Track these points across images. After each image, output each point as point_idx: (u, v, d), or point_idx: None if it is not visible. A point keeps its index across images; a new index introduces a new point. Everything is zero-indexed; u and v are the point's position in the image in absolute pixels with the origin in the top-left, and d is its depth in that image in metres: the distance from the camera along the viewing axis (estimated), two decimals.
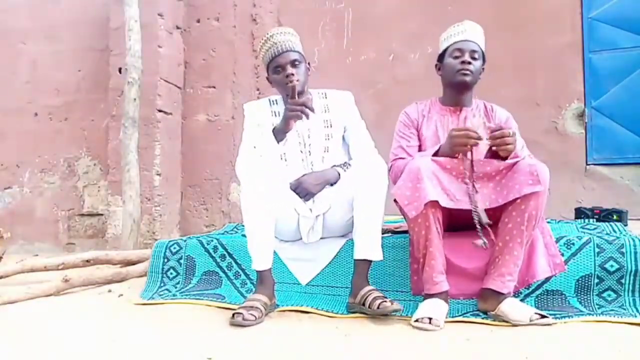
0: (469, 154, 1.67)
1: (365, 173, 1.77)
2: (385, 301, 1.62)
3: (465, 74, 1.87)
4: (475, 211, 1.62)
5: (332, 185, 1.93)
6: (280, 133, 1.84)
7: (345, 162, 1.99)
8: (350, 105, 2.07)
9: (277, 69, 1.94)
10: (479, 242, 1.63)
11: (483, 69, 1.96)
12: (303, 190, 1.90)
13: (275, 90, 2.05)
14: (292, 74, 1.90)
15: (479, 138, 1.64)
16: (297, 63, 1.93)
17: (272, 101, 2.08)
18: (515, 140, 1.65)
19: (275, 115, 2.03)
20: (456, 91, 1.95)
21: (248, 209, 1.78)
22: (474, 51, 1.89)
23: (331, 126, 2.02)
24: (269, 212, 1.79)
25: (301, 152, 2.00)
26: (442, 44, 1.98)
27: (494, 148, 1.66)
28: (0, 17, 4.38)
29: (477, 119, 1.90)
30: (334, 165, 1.97)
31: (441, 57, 1.97)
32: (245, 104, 2.12)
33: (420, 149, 1.96)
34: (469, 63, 1.87)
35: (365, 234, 1.76)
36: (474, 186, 1.66)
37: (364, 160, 1.83)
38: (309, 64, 2.03)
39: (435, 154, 1.75)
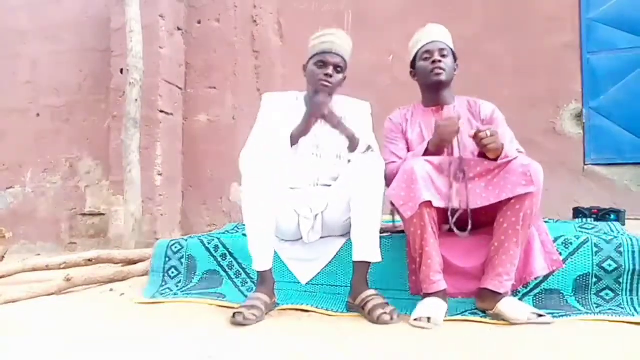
0: (455, 142, 1.73)
1: (362, 173, 1.77)
2: (385, 313, 1.62)
3: (438, 73, 1.91)
4: (451, 208, 1.66)
5: (350, 144, 1.93)
6: (298, 135, 1.89)
7: (369, 147, 1.96)
8: (365, 115, 2.10)
9: (319, 63, 1.97)
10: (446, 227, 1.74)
11: (457, 65, 2.00)
12: (315, 105, 1.89)
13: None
14: (331, 76, 1.95)
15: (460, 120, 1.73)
16: (339, 69, 1.98)
17: (296, 97, 2.10)
18: (496, 139, 1.65)
19: (296, 112, 2.04)
20: (434, 91, 1.98)
21: (249, 210, 1.79)
22: (442, 49, 1.93)
23: None
24: (270, 213, 1.80)
25: (312, 154, 2.01)
26: (411, 51, 2.02)
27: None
28: (0, 17, 4.40)
29: (457, 112, 1.93)
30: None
31: (413, 63, 2.01)
32: (265, 94, 2.13)
33: (408, 151, 1.98)
34: (440, 61, 1.91)
35: (363, 235, 1.76)
36: (461, 181, 1.68)
37: (361, 161, 1.83)
38: (345, 77, 2.04)
39: (426, 150, 1.78)
